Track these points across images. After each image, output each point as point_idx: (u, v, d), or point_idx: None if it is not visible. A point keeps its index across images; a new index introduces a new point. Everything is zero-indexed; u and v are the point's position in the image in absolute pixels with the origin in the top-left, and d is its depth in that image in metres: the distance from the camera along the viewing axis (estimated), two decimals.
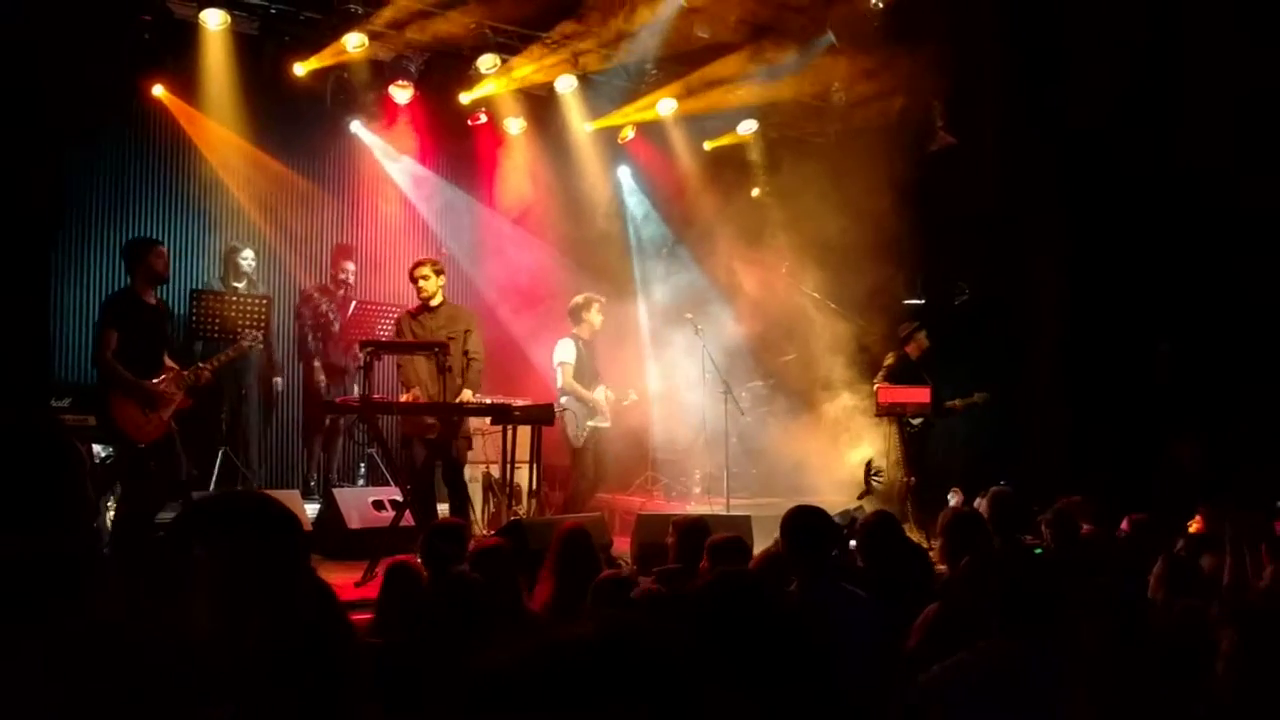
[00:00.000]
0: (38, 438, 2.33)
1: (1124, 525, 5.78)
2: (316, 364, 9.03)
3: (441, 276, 7.73)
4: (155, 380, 6.76)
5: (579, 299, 8.97)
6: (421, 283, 7.60)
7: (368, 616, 4.62)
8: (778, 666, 2.19)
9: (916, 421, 9.38)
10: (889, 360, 9.76)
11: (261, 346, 7.96)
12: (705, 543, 4.48)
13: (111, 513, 7.10)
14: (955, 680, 2.85)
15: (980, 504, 5.82)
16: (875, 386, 9.51)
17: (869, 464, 9.34)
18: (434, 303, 7.67)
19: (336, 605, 2.84)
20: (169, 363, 6.89)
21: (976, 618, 3.09)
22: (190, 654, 1.40)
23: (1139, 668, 3.19)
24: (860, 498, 8.98)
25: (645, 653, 1.30)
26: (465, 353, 7.64)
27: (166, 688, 1.35)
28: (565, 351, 8.73)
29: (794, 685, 2.23)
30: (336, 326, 9.07)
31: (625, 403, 9.10)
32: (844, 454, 9.70)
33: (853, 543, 6.58)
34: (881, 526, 4.73)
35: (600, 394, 8.81)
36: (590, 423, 8.75)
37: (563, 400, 8.64)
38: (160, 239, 9.02)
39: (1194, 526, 5.99)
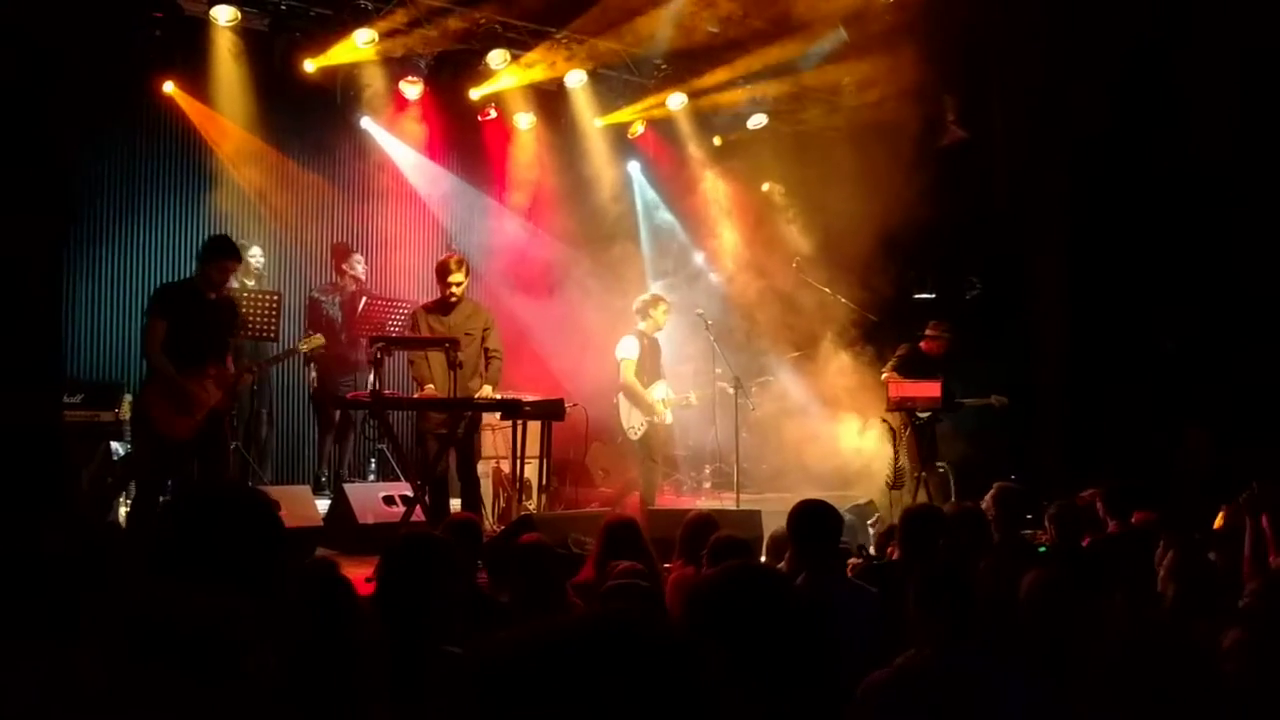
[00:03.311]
0: (29, 435, 2.36)
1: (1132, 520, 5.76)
2: (312, 366, 9.04)
3: (469, 275, 7.74)
4: (203, 374, 6.65)
5: (646, 296, 9.05)
6: (455, 287, 7.58)
7: None
8: (782, 660, 2.19)
9: (924, 415, 9.33)
10: (901, 350, 9.70)
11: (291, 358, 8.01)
12: (708, 539, 4.46)
13: (125, 508, 7.16)
14: (895, 689, 2.84)
15: (985, 500, 5.78)
16: (884, 377, 9.47)
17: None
18: (454, 299, 7.68)
19: (350, 597, 2.85)
20: (228, 362, 6.85)
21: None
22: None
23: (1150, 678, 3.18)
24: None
25: (643, 643, 1.31)
26: (485, 350, 7.67)
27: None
28: (627, 348, 8.74)
29: (798, 679, 2.23)
30: (339, 324, 9.05)
31: (684, 405, 9.15)
32: (854, 448, 9.66)
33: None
34: (924, 520, 4.68)
35: (661, 391, 8.83)
36: (649, 417, 8.77)
37: (617, 398, 8.70)
38: (178, 236, 9.12)
39: (1217, 524, 5.94)
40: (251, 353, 8.17)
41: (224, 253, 6.81)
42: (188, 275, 8.11)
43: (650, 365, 8.86)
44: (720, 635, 2.17)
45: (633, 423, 8.70)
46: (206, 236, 9.30)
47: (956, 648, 2.91)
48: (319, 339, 8.20)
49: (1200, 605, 3.63)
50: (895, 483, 8.96)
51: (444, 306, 7.66)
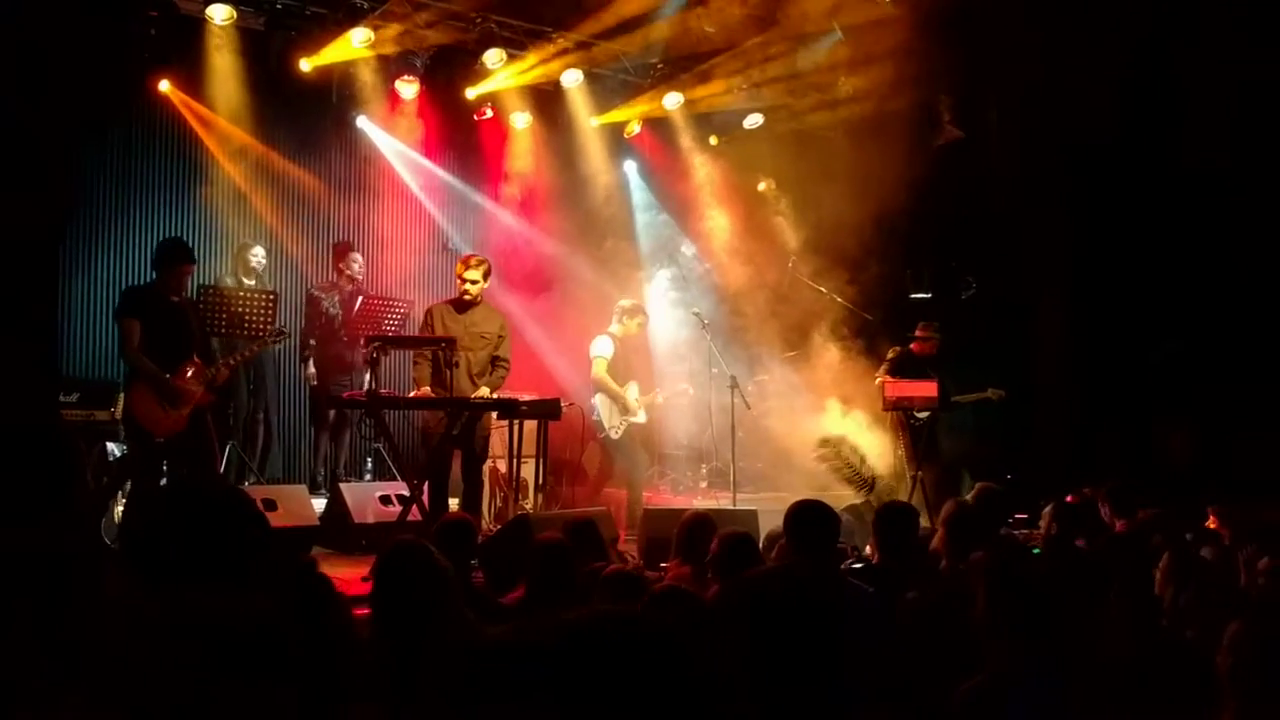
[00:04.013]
0: (34, 434, 2.35)
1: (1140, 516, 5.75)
2: (310, 363, 9.02)
3: (488, 279, 7.75)
4: (179, 374, 6.74)
5: (628, 303, 9.18)
6: (469, 285, 7.59)
7: None
8: (788, 662, 2.18)
9: (922, 415, 9.34)
10: (891, 353, 9.73)
11: (279, 343, 8.06)
12: (715, 536, 4.46)
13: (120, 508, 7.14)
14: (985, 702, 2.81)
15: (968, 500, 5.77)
16: (878, 381, 9.48)
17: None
18: (473, 300, 7.67)
19: (332, 595, 2.85)
20: (195, 359, 6.89)
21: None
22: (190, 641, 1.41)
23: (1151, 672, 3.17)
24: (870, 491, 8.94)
25: (641, 643, 1.31)
26: (496, 357, 7.67)
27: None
28: (603, 346, 8.89)
29: (801, 681, 2.23)
30: (338, 322, 9.06)
31: (654, 404, 9.31)
32: (851, 447, 9.66)
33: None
34: (897, 518, 4.66)
35: (632, 391, 8.98)
36: (626, 416, 8.91)
37: (595, 399, 8.79)
38: (173, 234, 9.08)
39: (1211, 524, 5.95)
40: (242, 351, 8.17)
41: (180, 257, 6.92)
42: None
43: (623, 368, 8.97)
44: (752, 639, 2.16)
45: (614, 422, 8.81)
46: (201, 235, 9.36)
47: (1038, 657, 2.87)
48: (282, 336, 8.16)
49: (1195, 603, 3.63)
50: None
51: (459, 305, 7.68)
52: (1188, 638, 3.39)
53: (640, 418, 9.05)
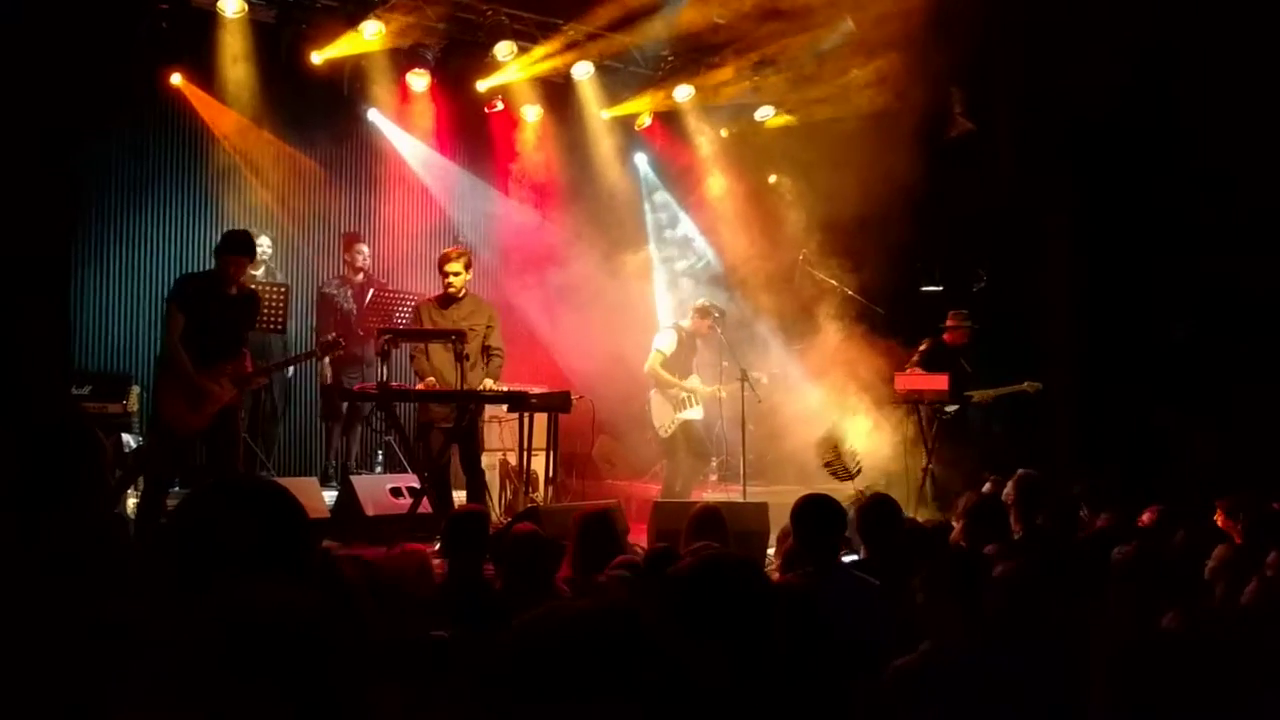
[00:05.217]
0: (60, 426, 2.39)
1: (1145, 516, 5.72)
2: (326, 359, 9.02)
3: (470, 270, 7.74)
4: (214, 372, 6.59)
5: (704, 303, 9.23)
6: (452, 277, 7.59)
7: None
8: (762, 650, 2.18)
9: (950, 409, 9.25)
10: (923, 345, 9.64)
11: (341, 351, 8.12)
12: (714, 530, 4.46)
13: (134, 500, 7.19)
14: (921, 676, 2.85)
15: (1008, 487, 5.73)
16: (907, 370, 9.41)
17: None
18: (458, 293, 7.67)
19: (359, 587, 2.87)
20: (239, 358, 6.74)
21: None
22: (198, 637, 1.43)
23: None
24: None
25: (637, 636, 1.32)
26: (487, 348, 7.68)
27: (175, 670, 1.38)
28: (664, 340, 9.01)
29: (801, 672, 2.24)
30: (354, 316, 9.10)
31: (715, 396, 9.32)
32: (861, 440, 9.63)
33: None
34: (878, 511, 4.63)
35: (693, 381, 9.05)
36: (680, 415, 8.93)
37: (650, 394, 8.88)
38: (185, 227, 9.14)
39: (1218, 520, 5.92)
40: (260, 346, 8.19)
41: (232, 248, 6.67)
42: (200, 267, 8.05)
43: (683, 361, 9.03)
44: (701, 627, 2.17)
45: (663, 421, 8.81)
46: (213, 228, 9.39)
47: (972, 635, 2.92)
48: (338, 347, 8.12)
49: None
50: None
51: (445, 300, 7.69)
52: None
53: (695, 413, 9.06)
